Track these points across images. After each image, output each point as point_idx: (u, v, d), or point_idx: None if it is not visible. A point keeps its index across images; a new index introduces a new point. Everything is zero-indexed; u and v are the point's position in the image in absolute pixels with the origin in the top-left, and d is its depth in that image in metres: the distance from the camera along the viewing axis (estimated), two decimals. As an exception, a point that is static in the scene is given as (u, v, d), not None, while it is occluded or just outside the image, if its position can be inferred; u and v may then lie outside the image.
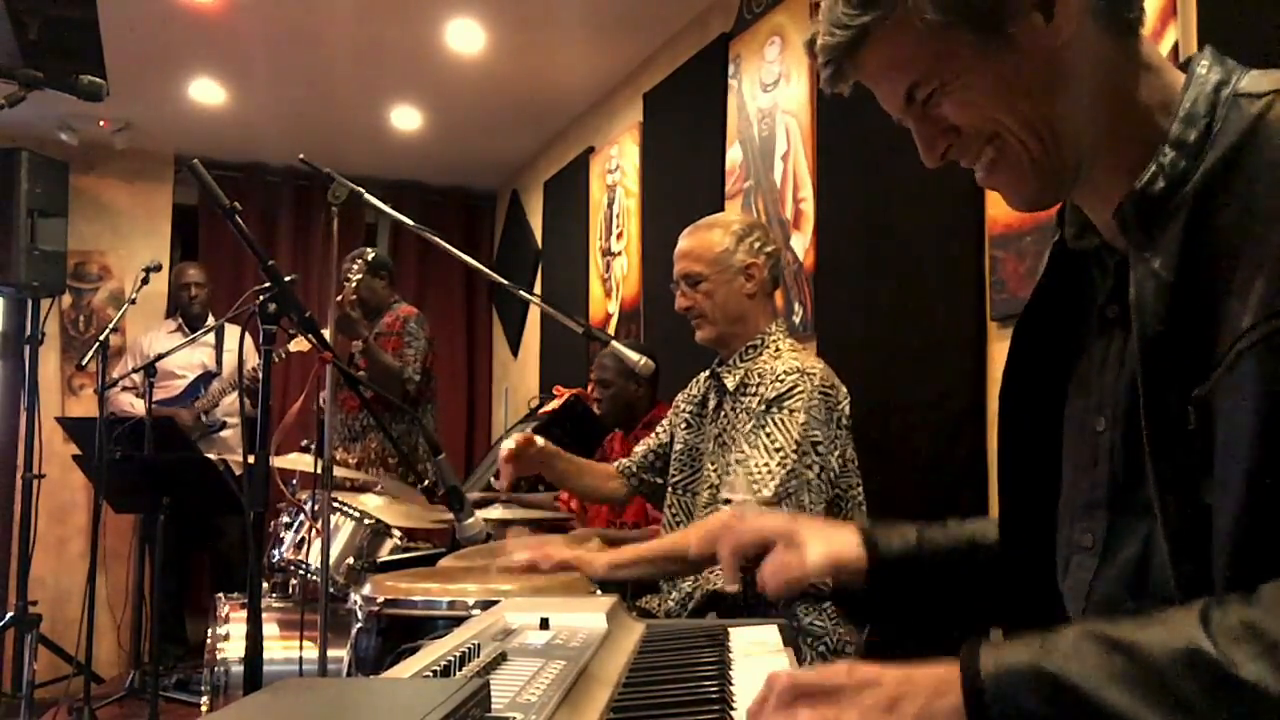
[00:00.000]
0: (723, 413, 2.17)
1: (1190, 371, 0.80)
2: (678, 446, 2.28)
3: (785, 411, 1.98)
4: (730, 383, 2.14)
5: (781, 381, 2.02)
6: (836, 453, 2.03)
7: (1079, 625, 0.75)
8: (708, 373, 2.30)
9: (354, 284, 3.88)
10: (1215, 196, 0.83)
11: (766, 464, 1.94)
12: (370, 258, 4.13)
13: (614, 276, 4.69)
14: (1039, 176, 0.90)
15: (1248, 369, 0.76)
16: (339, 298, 3.66)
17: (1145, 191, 0.86)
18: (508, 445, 2.22)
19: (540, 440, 2.30)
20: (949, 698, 0.76)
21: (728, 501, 1.93)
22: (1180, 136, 0.85)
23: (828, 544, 1.14)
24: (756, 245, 2.19)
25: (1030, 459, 1.02)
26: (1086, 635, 0.74)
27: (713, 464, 2.18)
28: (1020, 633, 0.77)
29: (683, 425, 2.29)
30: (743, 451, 1.99)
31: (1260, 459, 0.75)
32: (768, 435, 1.97)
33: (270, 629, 2.58)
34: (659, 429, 2.40)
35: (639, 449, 2.42)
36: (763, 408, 2.02)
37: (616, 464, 2.44)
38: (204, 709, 2.91)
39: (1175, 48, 2.10)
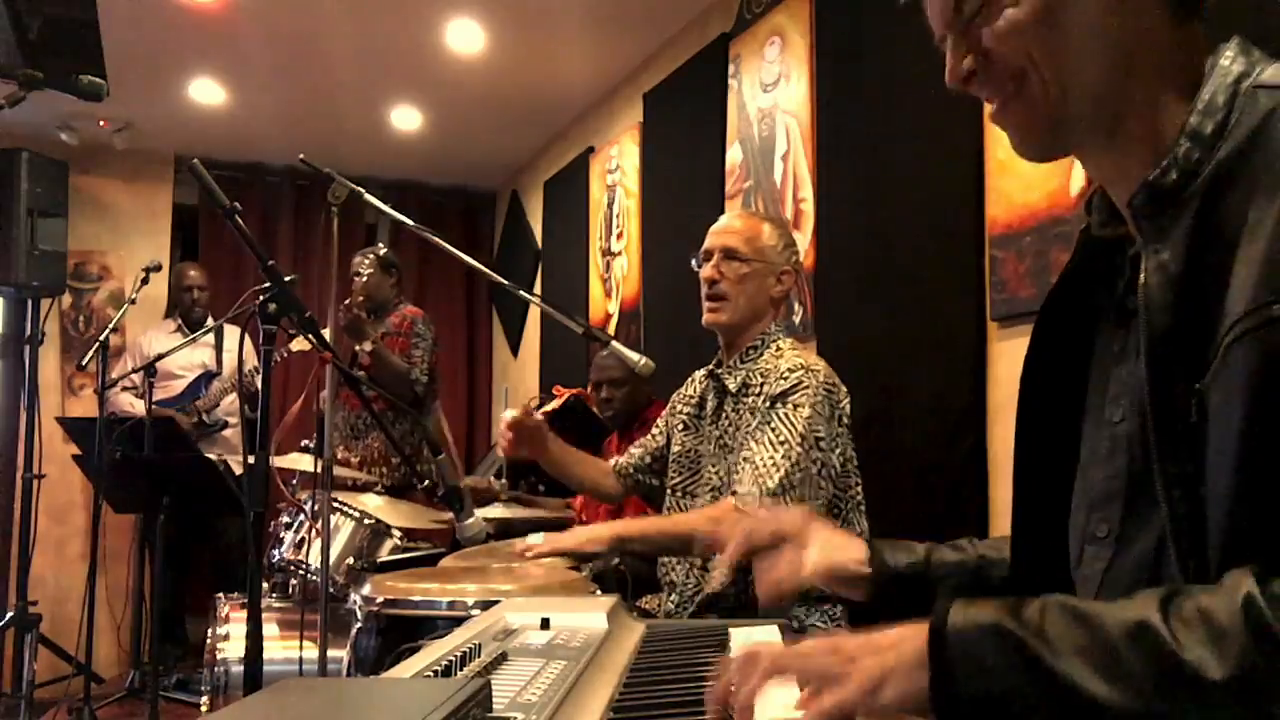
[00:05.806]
0: (724, 415, 2.16)
1: (1194, 365, 0.80)
2: (675, 449, 2.27)
3: (790, 406, 1.99)
4: (732, 384, 2.13)
5: (786, 378, 2.02)
6: (837, 451, 2.03)
7: (1052, 596, 0.77)
8: (703, 372, 2.29)
9: (365, 278, 3.88)
10: (1225, 189, 0.81)
11: (771, 457, 1.95)
12: (381, 254, 4.13)
13: (614, 276, 4.68)
14: (1050, 123, 0.89)
15: (1236, 359, 0.76)
16: (347, 300, 3.66)
17: (1157, 183, 0.85)
18: (510, 414, 2.25)
19: (539, 415, 2.34)
20: (910, 647, 0.78)
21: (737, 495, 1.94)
22: (1197, 128, 0.84)
23: (828, 552, 1.14)
24: (794, 257, 2.23)
25: (1048, 445, 1.01)
26: (1055, 604, 0.76)
27: (714, 466, 2.17)
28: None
29: (680, 427, 2.28)
30: (749, 448, 2.00)
31: (1249, 450, 0.75)
32: (773, 429, 1.98)
33: (270, 629, 2.57)
34: (654, 430, 2.38)
35: (634, 449, 2.40)
36: (768, 404, 2.02)
37: (613, 462, 2.43)
38: (204, 709, 2.90)
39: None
